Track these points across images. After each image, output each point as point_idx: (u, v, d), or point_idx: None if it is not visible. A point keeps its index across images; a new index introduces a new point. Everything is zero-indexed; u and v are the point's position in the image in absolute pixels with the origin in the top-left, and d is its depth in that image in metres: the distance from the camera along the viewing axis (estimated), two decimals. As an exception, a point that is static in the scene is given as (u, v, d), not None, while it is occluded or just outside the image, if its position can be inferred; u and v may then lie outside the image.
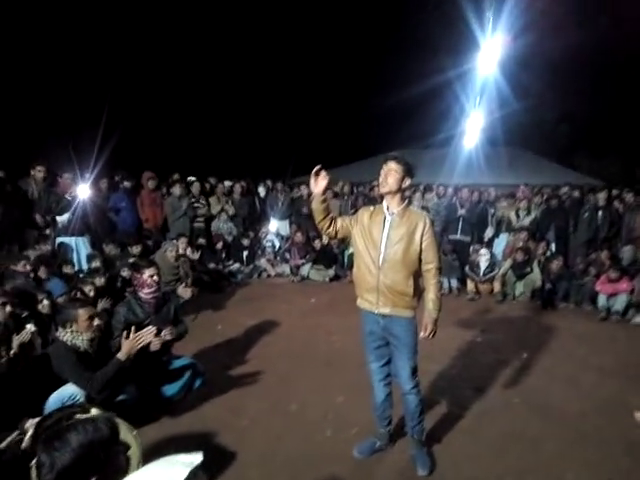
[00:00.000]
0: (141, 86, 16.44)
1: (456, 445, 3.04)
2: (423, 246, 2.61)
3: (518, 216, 7.84)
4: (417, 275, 2.67)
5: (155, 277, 3.49)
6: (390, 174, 2.60)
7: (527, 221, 7.74)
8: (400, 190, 2.64)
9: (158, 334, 3.32)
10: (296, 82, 21.51)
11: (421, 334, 2.66)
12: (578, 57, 16.94)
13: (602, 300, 6.10)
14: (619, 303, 5.92)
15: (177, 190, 7.57)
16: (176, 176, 8.56)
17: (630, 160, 18.64)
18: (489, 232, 8.16)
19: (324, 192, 2.64)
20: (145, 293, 3.46)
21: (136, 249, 6.31)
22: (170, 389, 3.40)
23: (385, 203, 2.68)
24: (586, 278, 6.55)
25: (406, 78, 16.94)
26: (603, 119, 19.08)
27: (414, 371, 2.70)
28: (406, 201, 2.70)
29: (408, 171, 2.62)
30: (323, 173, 2.59)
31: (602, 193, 7.23)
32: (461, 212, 7.77)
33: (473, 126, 11.83)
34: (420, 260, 2.64)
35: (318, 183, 2.61)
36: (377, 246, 2.62)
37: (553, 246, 7.43)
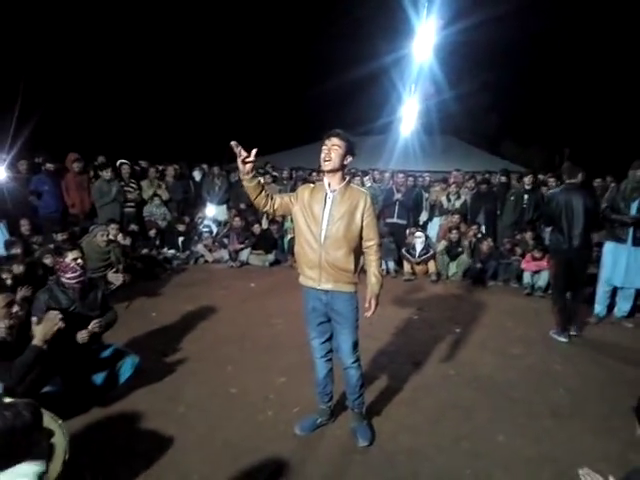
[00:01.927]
0: (64, 61, 15.22)
1: (395, 417, 3.12)
2: (364, 223, 2.62)
3: (449, 200, 8.15)
4: (358, 251, 2.68)
5: (79, 260, 3.26)
6: (333, 150, 2.57)
7: (457, 204, 8.05)
8: (342, 167, 2.62)
9: (86, 324, 3.12)
10: (233, 66, 20.97)
11: (366, 313, 2.68)
12: (506, 49, 17.86)
13: (527, 277, 6.50)
14: (542, 280, 6.34)
15: (107, 174, 7.12)
16: (101, 158, 8.07)
17: (550, 148, 20.00)
18: (423, 216, 8.43)
19: (252, 169, 2.54)
20: (68, 278, 3.22)
21: (61, 236, 5.88)
22: (100, 378, 3.19)
23: (326, 180, 2.66)
24: (513, 258, 6.94)
25: (344, 63, 17.07)
26: (527, 110, 20.30)
27: (355, 345, 2.73)
28: (347, 179, 2.69)
29: (350, 148, 2.61)
30: (240, 150, 2.47)
31: (528, 178, 7.64)
32: (397, 196, 7.93)
33: (409, 113, 12.11)
34: (361, 237, 2.66)
35: (243, 161, 2.49)
36: (318, 223, 2.60)
37: (483, 228, 7.79)
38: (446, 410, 3.23)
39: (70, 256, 3.24)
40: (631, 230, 5.01)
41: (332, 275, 2.62)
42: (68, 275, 3.23)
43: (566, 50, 18.83)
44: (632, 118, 17.68)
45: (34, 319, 2.76)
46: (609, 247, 5.24)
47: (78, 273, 3.25)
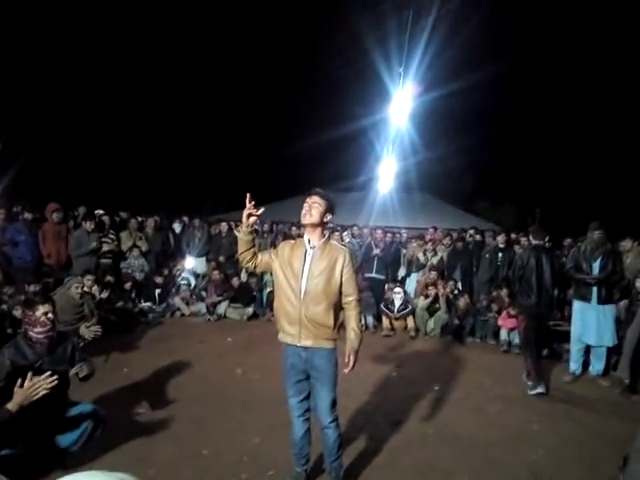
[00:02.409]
0: (46, 112, 15.37)
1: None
2: (343, 279, 2.68)
3: (426, 256, 8.31)
4: (337, 307, 2.72)
5: (50, 315, 3.17)
6: (314, 207, 2.68)
7: (434, 261, 8.21)
8: (322, 224, 2.73)
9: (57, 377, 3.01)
10: (214, 121, 21.53)
11: (344, 369, 2.67)
12: (481, 114, 18.96)
13: (504, 334, 6.56)
14: (518, 337, 6.40)
15: (89, 225, 7.08)
16: (82, 209, 8.06)
17: (522, 207, 20.82)
18: (402, 271, 8.55)
19: (253, 224, 2.70)
20: (36, 332, 3.12)
21: (34, 288, 5.72)
22: (66, 439, 3.03)
23: (306, 237, 2.75)
24: (489, 314, 7.03)
25: (321, 122, 17.74)
26: (500, 172, 21.26)
27: (333, 404, 2.70)
28: (326, 235, 2.78)
29: (330, 207, 2.74)
30: (251, 205, 2.65)
31: (500, 236, 7.91)
32: (376, 252, 8.06)
33: (387, 172, 12.55)
34: (340, 293, 2.70)
35: (249, 214, 2.65)
36: (298, 278, 2.65)
37: (460, 285, 7.91)
38: (425, 472, 3.16)
39: (41, 310, 3.15)
40: (595, 289, 5.20)
41: (312, 331, 2.63)
42: (37, 329, 3.14)
43: (536, 115, 20.10)
44: (599, 180, 18.70)
45: (25, 381, 2.62)
46: (576, 306, 5.42)
47: (47, 328, 3.16)
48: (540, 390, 4.70)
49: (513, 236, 8.61)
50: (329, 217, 2.74)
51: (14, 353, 3.01)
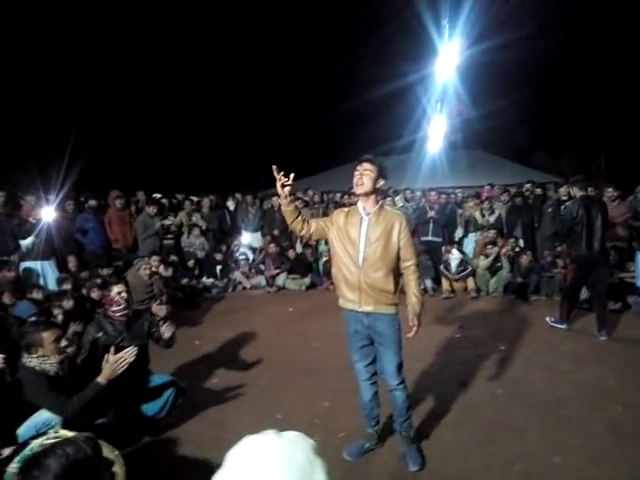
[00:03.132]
0: (106, 105, 16.13)
1: (444, 439, 3.05)
2: (401, 244, 2.66)
3: (483, 215, 8.04)
4: (397, 272, 2.70)
5: (123, 294, 3.39)
6: (365, 174, 2.64)
7: (492, 219, 7.93)
8: (375, 190, 2.69)
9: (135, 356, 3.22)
10: (260, 95, 21.54)
11: (408, 334, 2.69)
12: (533, 65, 17.70)
13: (571, 290, 6.28)
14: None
15: (152, 209, 7.44)
16: (141, 194, 8.42)
17: (584, 157, 19.47)
18: (459, 232, 8.35)
19: (290, 193, 2.63)
20: (113, 311, 3.35)
21: (106, 271, 6.12)
22: (150, 408, 3.27)
23: (360, 204, 2.72)
24: (554, 270, 6.75)
25: (367, 84, 17.21)
26: (557, 120, 19.89)
27: (400, 367, 2.72)
28: (380, 201, 2.75)
29: (381, 172, 2.68)
30: (280, 175, 2.58)
31: (563, 188, 7.48)
32: (431, 214, 7.89)
33: (436, 131, 12.11)
34: (398, 258, 2.68)
35: (282, 184, 2.59)
36: (356, 245, 2.65)
37: (521, 242, 7.62)
38: (496, 431, 3.14)
39: (115, 290, 3.38)
40: None
41: (372, 297, 2.64)
42: (113, 308, 3.37)
43: (596, 57, 18.50)
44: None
45: (109, 356, 2.84)
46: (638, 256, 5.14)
47: (122, 306, 3.38)
48: (562, 326, 5.18)
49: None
50: (382, 182, 2.70)
51: (97, 330, 3.25)
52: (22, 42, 14.21)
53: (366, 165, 2.65)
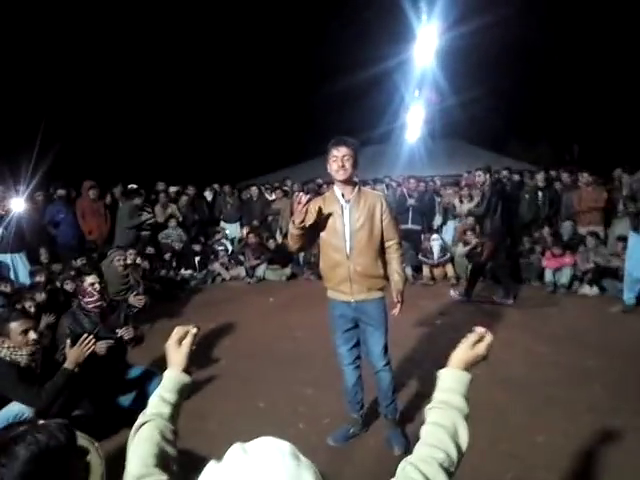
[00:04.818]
0: (77, 95, 15.61)
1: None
2: (384, 225, 2.62)
3: (461, 202, 8.09)
4: (383, 253, 2.68)
5: (96, 285, 3.28)
6: (346, 160, 2.54)
7: (471, 206, 7.98)
8: (353, 175, 2.62)
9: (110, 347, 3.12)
10: (236, 84, 21.19)
11: (393, 311, 2.69)
12: (508, 51, 17.85)
13: (549, 275, 6.38)
14: (564, 276, 6.23)
15: (138, 200, 7.28)
16: (120, 187, 8.20)
17: (558, 146, 19.83)
18: (437, 220, 8.39)
19: (303, 221, 2.48)
20: (86, 302, 3.25)
21: (80, 262, 5.95)
22: (128, 399, 3.19)
23: (339, 191, 2.64)
24: (532, 256, 6.84)
25: (343, 72, 17.05)
26: (532, 110, 20.19)
27: (386, 348, 2.71)
28: (358, 185, 2.68)
29: (356, 153, 2.60)
30: (307, 205, 2.43)
31: (540, 175, 7.59)
32: (410, 202, 7.90)
33: (414, 119, 12.12)
34: (383, 239, 2.65)
35: (301, 212, 2.42)
36: (340, 237, 2.59)
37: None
38: (480, 412, 3.11)
39: (88, 280, 3.28)
40: None
41: (364, 285, 2.61)
42: (86, 299, 3.27)
43: (570, 47, 18.78)
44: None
45: (68, 341, 2.76)
46: (630, 238, 5.18)
47: (95, 298, 3.27)
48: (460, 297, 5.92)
49: (553, 173, 8.25)
50: (357, 164, 2.61)
51: (72, 322, 3.14)
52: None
53: (344, 150, 2.54)
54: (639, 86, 16.77)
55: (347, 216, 2.59)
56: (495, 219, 5.75)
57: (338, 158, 2.53)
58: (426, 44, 7.13)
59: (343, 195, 2.62)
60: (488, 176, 5.93)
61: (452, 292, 6.23)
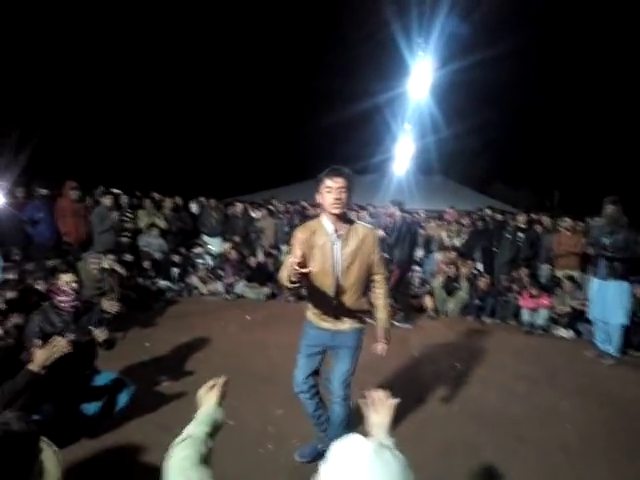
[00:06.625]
0: (63, 91, 15.41)
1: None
2: (374, 259, 2.57)
3: (450, 237, 8.20)
4: (368, 287, 2.66)
5: (73, 284, 3.18)
6: (342, 192, 2.39)
7: (457, 242, 8.10)
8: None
9: (79, 348, 3.00)
10: (231, 104, 21.41)
11: (378, 349, 2.70)
12: (498, 91, 18.52)
13: (525, 315, 6.43)
14: (541, 318, 6.28)
15: (107, 201, 7.13)
16: (102, 188, 8.09)
17: (540, 191, 20.44)
18: (419, 252, 8.45)
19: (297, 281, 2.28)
20: (60, 300, 3.13)
21: (54, 263, 5.77)
22: (91, 407, 3.05)
23: (330, 224, 2.47)
24: (510, 295, 6.91)
25: (338, 100, 17.42)
26: (517, 153, 20.86)
27: (348, 381, 2.66)
28: (350, 218, 2.57)
29: (351, 184, 2.47)
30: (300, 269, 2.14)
31: (522, 216, 7.75)
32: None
33: (403, 153, 12.32)
34: (370, 273, 2.62)
35: (295, 273, 2.15)
36: (329, 273, 2.48)
37: (480, 265, 7.79)
38: (452, 447, 3.11)
39: (64, 278, 3.17)
40: (603, 264, 5.00)
41: (349, 317, 2.61)
42: (61, 298, 3.15)
43: (554, 101, 19.62)
44: (620, 161, 18.25)
45: (38, 341, 2.64)
46: (592, 283, 5.27)
47: (71, 297, 3.17)
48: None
49: (534, 216, 8.45)
50: (350, 197, 2.48)
51: (42, 320, 3.03)
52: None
53: (341, 181, 2.37)
54: (620, 138, 17.51)
55: (337, 252, 2.46)
56: (404, 248, 6.18)
57: (333, 189, 2.37)
58: (420, 78, 7.28)
59: (336, 230, 2.47)
60: (397, 209, 6.40)
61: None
